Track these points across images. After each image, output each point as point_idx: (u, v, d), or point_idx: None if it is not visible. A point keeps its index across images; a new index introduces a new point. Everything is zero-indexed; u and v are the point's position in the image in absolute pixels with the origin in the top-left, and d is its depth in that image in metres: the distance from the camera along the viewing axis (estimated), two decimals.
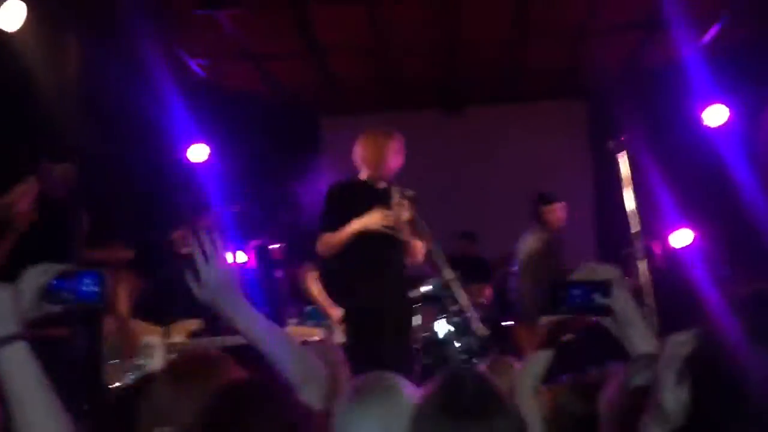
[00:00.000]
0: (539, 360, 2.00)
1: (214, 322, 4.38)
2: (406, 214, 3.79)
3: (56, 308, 1.72)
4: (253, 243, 5.06)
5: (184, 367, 1.94)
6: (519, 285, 5.25)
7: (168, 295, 4.42)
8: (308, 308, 4.82)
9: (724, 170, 6.18)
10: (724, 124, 6.18)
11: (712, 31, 5.99)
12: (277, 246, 5.64)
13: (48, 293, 1.72)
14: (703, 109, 6.20)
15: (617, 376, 1.68)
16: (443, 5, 5.36)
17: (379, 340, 3.76)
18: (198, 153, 6.50)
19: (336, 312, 4.40)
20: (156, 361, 4.12)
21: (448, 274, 4.06)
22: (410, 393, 1.83)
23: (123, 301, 4.41)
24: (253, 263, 5.31)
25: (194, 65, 6.23)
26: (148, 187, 6.15)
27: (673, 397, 1.29)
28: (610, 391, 1.69)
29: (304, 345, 3.03)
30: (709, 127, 6.21)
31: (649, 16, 5.58)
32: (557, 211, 5.16)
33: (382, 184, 4.01)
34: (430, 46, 6.15)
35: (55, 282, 1.76)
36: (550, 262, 4.94)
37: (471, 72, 6.90)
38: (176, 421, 1.68)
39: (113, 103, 5.49)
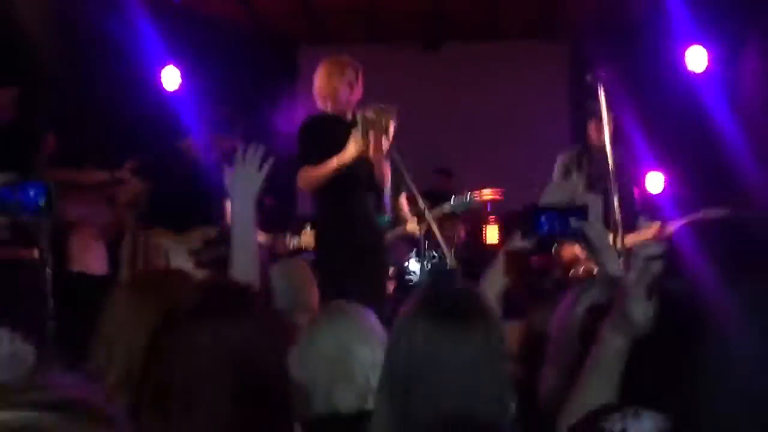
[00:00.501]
0: (495, 280, 2.04)
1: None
2: (379, 137, 3.78)
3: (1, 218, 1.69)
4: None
5: (142, 284, 1.93)
6: None
7: (184, 202, 4.43)
8: None
9: (703, 115, 6.19)
10: (705, 69, 6.16)
11: None
12: None
13: None
14: (682, 53, 6.17)
15: (567, 298, 1.73)
16: None
17: (352, 278, 3.80)
18: (170, 77, 6.37)
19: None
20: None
21: (423, 207, 4.09)
22: (373, 321, 1.85)
23: (124, 211, 4.46)
24: None
25: None
26: (121, 109, 6.05)
27: (641, 309, 1.31)
28: (559, 312, 1.73)
29: (277, 261, 3.05)
30: (690, 71, 6.19)
31: None
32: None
33: (348, 116, 4.02)
34: None
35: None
36: None
37: (452, 6, 6.77)
38: (129, 337, 1.66)
39: (83, 24, 5.34)
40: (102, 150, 5.30)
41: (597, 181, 4.45)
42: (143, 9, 5.62)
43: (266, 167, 2.14)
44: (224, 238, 4.32)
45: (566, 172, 4.72)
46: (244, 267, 1.88)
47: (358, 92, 4.02)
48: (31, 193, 1.79)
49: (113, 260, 4.89)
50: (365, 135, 3.81)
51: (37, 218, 2.04)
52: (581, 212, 1.98)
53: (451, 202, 4.92)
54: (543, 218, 1.99)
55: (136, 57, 5.99)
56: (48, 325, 3.47)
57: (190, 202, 4.47)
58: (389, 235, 4.52)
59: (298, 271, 2.92)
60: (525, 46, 7.71)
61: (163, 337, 1.35)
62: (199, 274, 4.26)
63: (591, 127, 4.51)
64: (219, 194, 4.55)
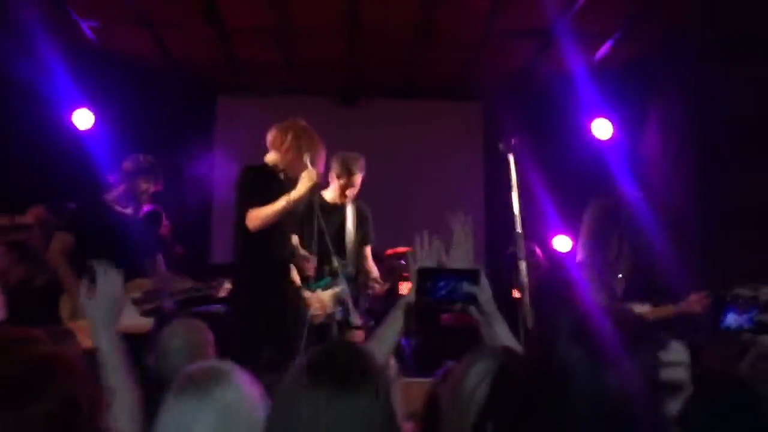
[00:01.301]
0: (389, 335, 2.06)
1: (166, 282, 4.52)
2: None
3: None
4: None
5: None
6: None
7: (117, 255, 4.26)
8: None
9: (608, 181, 6.47)
10: (610, 138, 6.48)
11: (604, 48, 6.26)
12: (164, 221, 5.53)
13: None
14: (589, 122, 6.48)
15: (457, 369, 1.75)
16: None
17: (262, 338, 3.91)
18: (82, 119, 6.23)
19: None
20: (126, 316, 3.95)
21: (335, 262, 4.18)
22: (246, 383, 1.78)
23: (58, 260, 4.32)
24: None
25: (85, 27, 5.92)
26: (32, 151, 5.87)
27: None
28: (450, 384, 1.75)
29: (176, 321, 2.97)
30: (596, 138, 6.50)
31: (545, 28, 5.77)
32: None
33: (284, 175, 4.19)
34: (332, 31, 6.10)
35: None
36: None
37: (370, 63, 6.91)
38: None
39: None
40: (10, 192, 5.12)
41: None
42: (56, 49, 5.49)
43: (121, 292, 2.11)
44: (160, 288, 4.44)
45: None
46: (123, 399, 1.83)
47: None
48: None
49: (16, 306, 4.69)
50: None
51: None
52: (474, 276, 2.03)
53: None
54: (440, 282, 2.02)
55: (48, 98, 5.84)
56: None
57: (124, 254, 4.38)
58: (354, 293, 4.52)
59: (194, 330, 2.84)
60: (440, 105, 7.90)
61: None
62: (145, 321, 4.26)
63: None
64: (149, 245, 4.63)
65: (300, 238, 4.40)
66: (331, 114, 7.70)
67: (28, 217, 4.65)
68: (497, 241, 7.17)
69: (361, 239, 4.83)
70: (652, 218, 5.15)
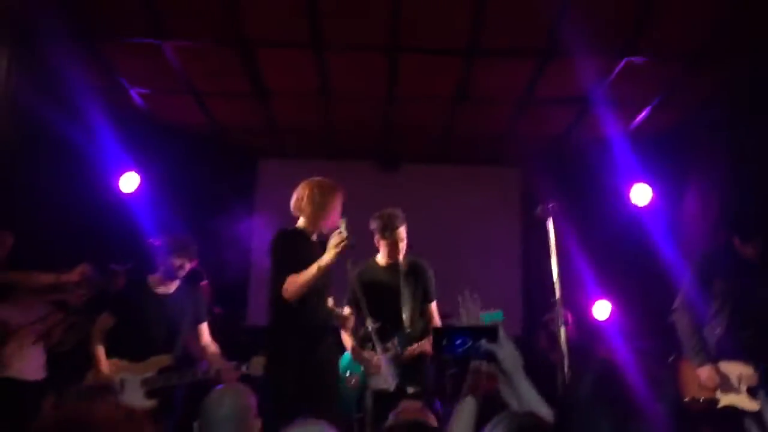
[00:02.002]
0: (466, 409, 2.03)
1: (183, 359, 4.68)
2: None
3: None
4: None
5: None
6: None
7: (139, 331, 4.61)
8: None
9: (646, 247, 6.41)
10: (649, 203, 6.45)
11: (641, 115, 6.29)
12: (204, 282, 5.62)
13: None
14: (628, 187, 6.46)
15: None
16: (389, 60, 5.47)
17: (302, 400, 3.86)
18: (129, 182, 6.40)
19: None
20: (131, 396, 4.40)
21: (371, 324, 4.14)
22: None
23: (95, 340, 4.62)
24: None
25: (134, 94, 6.15)
26: (79, 212, 6.03)
27: None
28: None
29: (217, 388, 2.97)
30: (635, 204, 6.47)
31: (586, 94, 5.82)
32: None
33: (315, 237, 4.20)
34: (373, 98, 6.24)
35: None
36: None
37: (410, 129, 7.02)
38: None
39: (44, 128, 5.39)
40: (56, 251, 5.26)
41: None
42: (105, 115, 5.72)
43: None
44: (178, 366, 4.58)
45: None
46: None
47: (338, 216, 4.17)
48: None
49: (58, 364, 4.84)
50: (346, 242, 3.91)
51: None
52: (492, 334, 2.02)
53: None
54: (457, 340, 2.02)
55: (96, 161, 6.03)
56: None
57: (150, 333, 4.62)
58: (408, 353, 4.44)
59: (239, 398, 2.83)
60: (477, 170, 7.96)
61: None
62: (147, 404, 4.46)
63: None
64: (178, 323, 4.69)
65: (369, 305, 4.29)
66: (371, 178, 7.81)
67: (74, 275, 4.76)
68: (534, 307, 7.10)
69: (422, 297, 4.65)
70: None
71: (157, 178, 6.58)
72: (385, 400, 4.06)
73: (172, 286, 4.80)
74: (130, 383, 4.49)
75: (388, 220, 4.57)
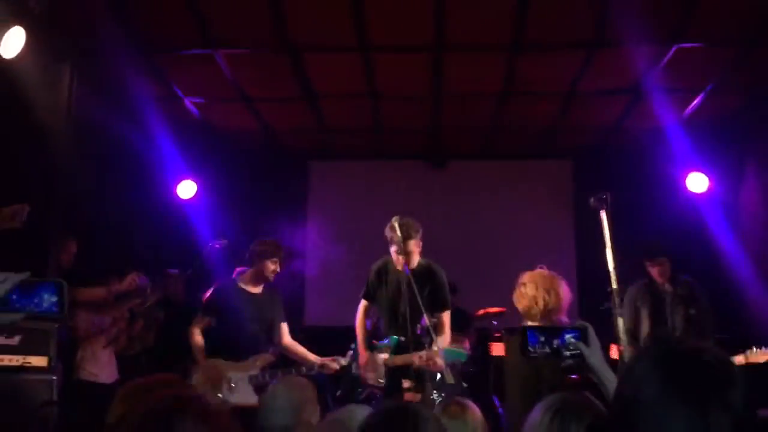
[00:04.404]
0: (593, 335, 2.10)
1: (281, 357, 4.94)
2: None
3: (16, 317, 1.76)
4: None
5: (132, 389, 1.97)
6: None
7: (238, 330, 4.76)
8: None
9: (703, 234, 6.30)
10: (705, 191, 6.33)
11: (695, 102, 6.18)
12: None
13: (5, 303, 1.76)
14: (682, 175, 6.36)
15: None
16: (434, 57, 5.50)
17: None
18: (186, 189, 6.57)
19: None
20: (242, 393, 4.55)
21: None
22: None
23: (193, 338, 4.77)
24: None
25: (189, 103, 6.32)
26: (140, 221, 6.21)
27: None
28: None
29: (275, 379, 3.06)
30: (691, 192, 6.36)
31: (636, 84, 5.75)
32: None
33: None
34: (419, 97, 6.28)
35: (13, 293, 1.79)
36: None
37: (458, 126, 7.03)
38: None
39: (103, 136, 5.57)
40: (117, 257, 5.44)
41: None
42: (162, 124, 5.89)
43: None
44: (279, 363, 4.80)
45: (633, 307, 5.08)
46: None
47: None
48: (44, 293, 1.87)
49: (125, 368, 5.06)
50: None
51: (49, 318, 2.10)
52: (578, 330, 2.04)
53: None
54: (542, 338, 2.04)
55: (155, 169, 6.20)
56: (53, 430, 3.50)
57: (250, 333, 4.78)
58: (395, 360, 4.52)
59: (300, 388, 2.92)
60: (528, 164, 7.92)
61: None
62: (256, 400, 4.50)
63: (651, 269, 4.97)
64: (271, 321, 4.89)
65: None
66: (420, 177, 7.85)
67: (124, 285, 4.92)
68: (590, 298, 7.04)
69: (431, 303, 4.49)
70: (750, 268, 5.01)
71: (212, 184, 6.73)
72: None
73: (260, 287, 4.91)
74: (239, 381, 4.61)
75: (399, 230, 4.43)
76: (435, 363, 4.21)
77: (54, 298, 1.89)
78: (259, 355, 4.71)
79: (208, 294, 4.96)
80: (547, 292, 3.58)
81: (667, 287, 5.05)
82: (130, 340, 5.30)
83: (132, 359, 5.32)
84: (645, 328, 5.08)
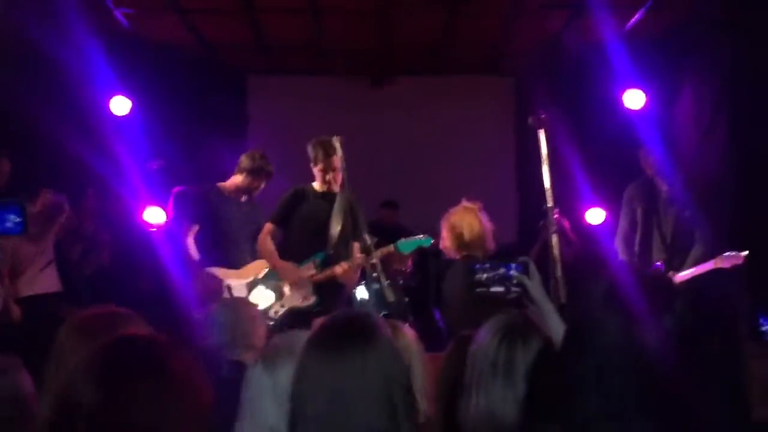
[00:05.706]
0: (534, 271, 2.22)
1: None
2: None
3: None
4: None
5: (86, 323, 1.95)
6: None
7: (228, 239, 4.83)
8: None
9: (638, 152, 6.42)
10: (642, 108, 6.41)
11: (635, 18, 6.18)
12: None
13: None
14: (622, 93, 6.41)
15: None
16: None
17: None
18: (120, 106, 6.34)
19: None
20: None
21: (369, 243, 4.25)
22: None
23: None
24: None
25: (119, 14, 6.02)
26: (70, 135, 6.00)
27: None
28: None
29: (221, 301, 3.07)
30: (628, 109, 6.43)
31: None
32: None
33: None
34: (361, 9, 6.12)
35: None
36: None
37: (400, 41, 6.91)
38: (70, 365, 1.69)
39: (29, 49, 5.30)
40: (51, 176, 5.27)
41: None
42: (93, 36, 5.60)
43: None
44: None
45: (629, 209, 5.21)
46: None
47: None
48: (9, 214, 1.85)
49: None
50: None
51: (12, 237, 2.06)
52: (521, 264, 2.10)
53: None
54: (487, 270, 2.09)
55: (85, 83, 5.95)
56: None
57: (238, 238, 4.87)
58: (320, 274, 4.62)
59: (243, 308, 2.95)
60: (471, 80, 7.88)
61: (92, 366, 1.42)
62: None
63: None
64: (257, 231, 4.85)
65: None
66: (361, 94, 7.75)
67: (36, 206, 4.74)
68: (529, 216, 7.18)
69: (350, 232, 4.70)
70: (684, 187, 5.16)
71: (146, 100, 6.50)
72: (299, 318, 4.30)
73: (244, 197, 4.96)
74: (237, 289, 4.66)
75: (322, 147, 4.57)
76: (351, 277, 4.54)
77: (18, 219, 1.86)
78: (253, 264, 4.77)
79: (190, 202, 4.91)
80: (463, 227, 3.90)
81: (663, 185, 5.15)
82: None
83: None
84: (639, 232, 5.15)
